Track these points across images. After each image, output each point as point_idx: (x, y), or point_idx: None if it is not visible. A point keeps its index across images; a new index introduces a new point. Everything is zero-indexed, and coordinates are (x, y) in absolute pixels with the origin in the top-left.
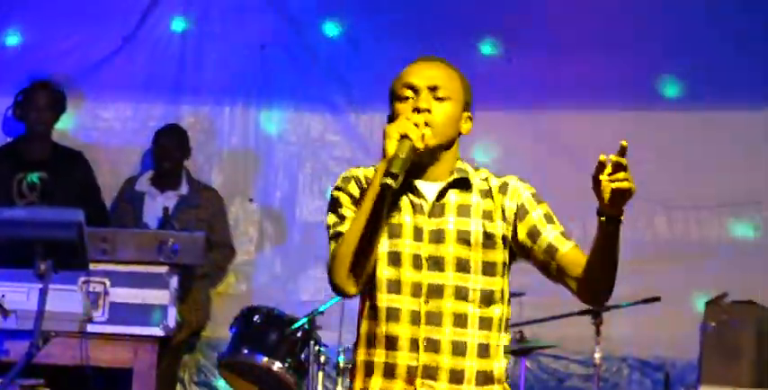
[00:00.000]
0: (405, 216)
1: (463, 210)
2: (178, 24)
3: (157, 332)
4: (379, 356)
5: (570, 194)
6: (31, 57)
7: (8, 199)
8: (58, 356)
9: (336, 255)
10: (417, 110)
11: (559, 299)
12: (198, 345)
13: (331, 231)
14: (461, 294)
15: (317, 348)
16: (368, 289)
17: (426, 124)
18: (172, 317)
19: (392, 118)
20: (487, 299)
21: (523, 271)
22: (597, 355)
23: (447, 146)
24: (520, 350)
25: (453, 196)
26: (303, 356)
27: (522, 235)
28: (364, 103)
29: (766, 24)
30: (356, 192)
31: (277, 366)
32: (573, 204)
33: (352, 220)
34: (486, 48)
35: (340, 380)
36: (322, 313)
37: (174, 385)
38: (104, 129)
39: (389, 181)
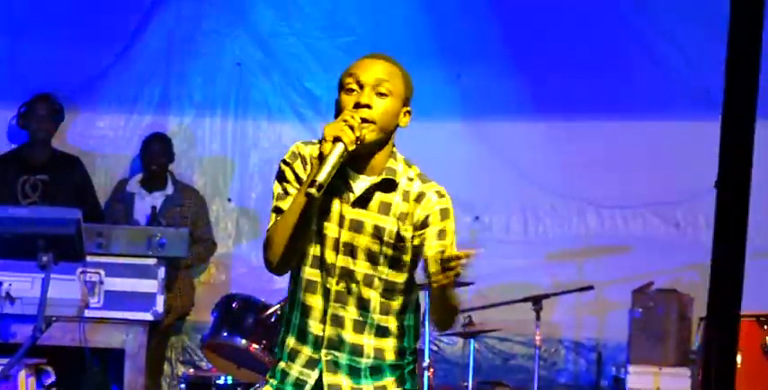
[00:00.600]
0: (335, 202)
1: (384, 208)
2: (165, 44)
3: (147, 316)
4: (296, 318)
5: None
6: (32, 72)
7: (13, 200)
8: (59, 338)
9: (272, 240)
10: (358, 104)
11: (503, 287)
12: (183, 328)
13: (273, 203)
14: (367, 281)
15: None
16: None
17: (366, 120)
18: (160, 303)
19: (337, 105)
20: (391, 289)
21: (473, 263)
22: (537, 337)
23: (384, 139)
24: (468, 333)
25: (378, 193)
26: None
27: (416, 243)
28: (329, 113)
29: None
30: (300, 171)
31: (254, 346)
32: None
33: (285, 211)
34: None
35: None
36: None
37: (162, 364)
38: (99, 137)
39: (313, 191)
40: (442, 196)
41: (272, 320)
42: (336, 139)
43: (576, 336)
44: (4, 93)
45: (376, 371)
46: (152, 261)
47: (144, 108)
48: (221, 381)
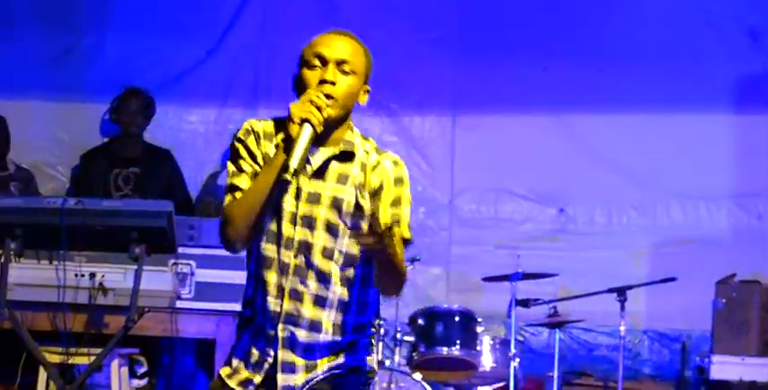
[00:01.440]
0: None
1: (342, 179)
2: (254, 40)
3: (237, 307)
4: (255, 295)
5: (595, 189)
6: (125, 67)
7: (106, 192)
8: (151, 328)
9: (231, 218)
10: (324, 81)
11: (588, 279)
12: None
13: (228, 181)
14: (327, 253)
15: (376, 321)
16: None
17: (330, 97)
18: None
19: (298, 81)
20: (350, 261)
21: (557, 254)
22: (622, 328)
23: (344, 116)
24: (554, 323)
25: (336, 164)
26: None
27: (373, 211)
28: (416, 108)
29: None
30: (254, 147)
31: None
32: (597, 196)
33: (248, 191)
34: (522, 59)
35: (397, 350)
36: None
37: None
38: (190, 131)
39: (288, 176)
40: (396, 164)
41: None
42: (304, 121)
43: (660, 327)
44: (96, 88)
45: (332, 348)
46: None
47: (234, 102)
48: None
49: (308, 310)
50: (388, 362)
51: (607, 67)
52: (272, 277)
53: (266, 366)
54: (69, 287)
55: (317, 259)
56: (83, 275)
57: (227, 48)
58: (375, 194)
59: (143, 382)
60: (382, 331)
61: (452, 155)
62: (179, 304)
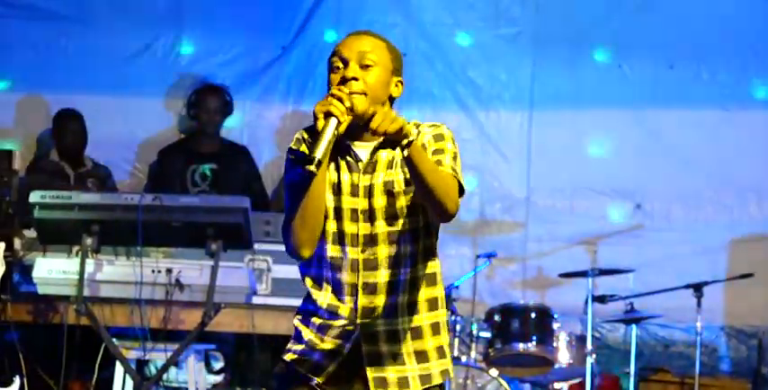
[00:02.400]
0: (344, 174)
1: (390, 164)
2: (330, 35)
3: None
4: (324, 297)
5: (672, 185)
6: (202, 64)
7: (183, 188)
8: (227, 324)
9: (290, 226)
10: (344, 78)
11: (666, 275)
12: None
13: (284, 193)
14: (392, 238)
15: (453, 317)
16: None
17: (354, 92)
18: None
19: (328, 87)
20: (413, 236)
21: (634, 249)
22: (698, 324)
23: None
24: (630, 319)
25: (384, 153)
26: None
27: None
28: (493, 104)
29: None
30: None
31: None
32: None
33: (304, 199)
34: (599, 56)
35: (473, 346)
36: (457, 287)
37: None
38: (266, 127)
39: (312, 167)
40: (435, 126)
41: None
42: (327, 114)
43: (737, 323)
44: (174, 84)
45: (415, 332)
46: None
47: (310, 97)
48: None
49: (383, 298)
50: (464, 358)
51: (684, 63)
52: (344, 276)
53: (340, 357)
54: (146, 283)
55: (384, 247)
56: (159, 271)
57: (303, 43)
58: None
59: (219, 378)
60: (459, 327)
61: (529, 151)
62: (255, 300)
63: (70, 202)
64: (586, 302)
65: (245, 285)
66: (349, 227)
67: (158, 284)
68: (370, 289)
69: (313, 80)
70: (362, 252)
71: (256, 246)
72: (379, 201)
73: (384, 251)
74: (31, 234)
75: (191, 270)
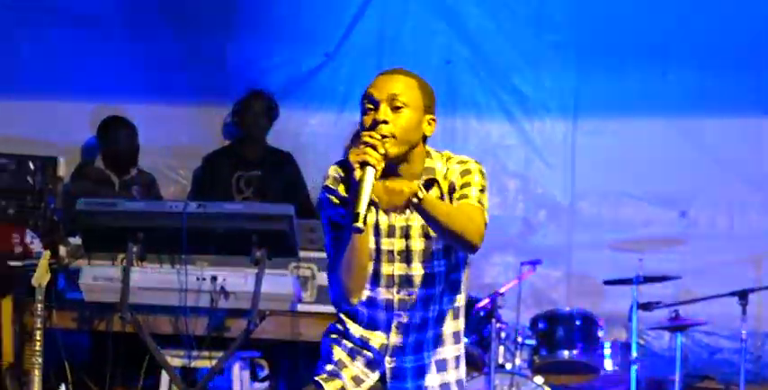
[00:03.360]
0: (381, 216)
1: None
2: (374, 43)
3: None
4: (357, 331)
5: (716, 192)
6: (246, 71)
7: (228, 195)
8: (272, 332)
9: (336, 276)
10: (376, 121)
11: (710, 282)
12: None
13: (327, 238)
14: (427, 280)
15: (497, 325)
16: None
17: (385, 136)
18: None
19: (360, 128)
20: (446, 275)
21: (679, 257)
22: (744, 331)
23: (411, 151)
24: (675, 326)
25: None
26: (486, 332)
27: None
28: (537, 112)
29: None
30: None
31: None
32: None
33: (345, 252)
34: (643, 63)
35: (518, 353)
36: (502, 294)
37: None
38: (310, 134)
39: (359, 225)
40: (462, 162)
41: (482, 314)
42: (364, 164)
43: None
44: (218, 90)
45: (440, 364)
46: None
47: (354, 106)
48: None
49: (413, 337)
50: (509, 366)
51: (728, 71)
52: (378, 314)
53: (365, 386)
54: (191, 290)
55: (419, 288)
56: (204, 278)
57: (348, 51)
58: (450, 192)
59: (264, 385)
60: (503, 334)
61: (573, 159)
62: (300, 307)
63: (115, 210)
64: (631, 309)
65: (289, 292)
66: (386, 268)
67: (203, 291)
68: (403, 328)
69: (357, 87)
70: (398, 292)
71: (301, 254)
72: (418, 244)
73: (419, 292)
74: (76, 241)
75: (235, 278)
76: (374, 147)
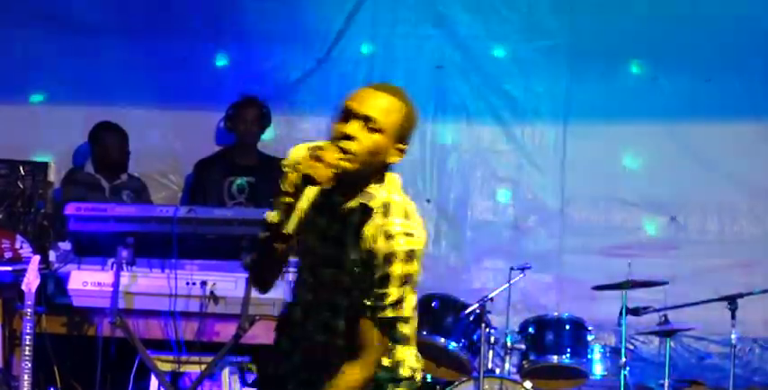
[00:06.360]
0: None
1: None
2: (365, 48)
3: None
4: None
5: (707, 197)
6: (237, 76)
7: (220, 201)
8: (262, 336)
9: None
10: (343, 135)
11: (700, 287)
12: None
13: None
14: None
15: (487, 330)
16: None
17: (347, 151)
18: None
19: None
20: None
21: (668, 262)
22: (733, 336)
23: (367, 172)
24: (664, 331)
25: (357, 216)
26: (475, 336)
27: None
28: (527, 117)
29: None
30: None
31: (452, 345)
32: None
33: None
34: (635, 68)
35: (507, 358)
36: (491, 299)
37: None
38: (302, 140)
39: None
40: (391, 237)
41: (471, 319)
42: (307, 177)
43: None
44: (210, 96)
45: None
46: None
47: None
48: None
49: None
50: (498, 370)
51: (720, 76)
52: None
53: None
54: (181, 295)
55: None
56: (194, 283)
57: (338, 56)
58: (364, 263)
59: None
60: (493, 339)
61: (563, 164)
62: None
63: (105, 214)
64: (620, 314)
65: (279, 297)
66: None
67: (193, 296)
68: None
69: (347, 93)
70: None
71: (291, 259)
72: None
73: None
74: (66, 246)
75: (225, 283)
76: (329, 164)
